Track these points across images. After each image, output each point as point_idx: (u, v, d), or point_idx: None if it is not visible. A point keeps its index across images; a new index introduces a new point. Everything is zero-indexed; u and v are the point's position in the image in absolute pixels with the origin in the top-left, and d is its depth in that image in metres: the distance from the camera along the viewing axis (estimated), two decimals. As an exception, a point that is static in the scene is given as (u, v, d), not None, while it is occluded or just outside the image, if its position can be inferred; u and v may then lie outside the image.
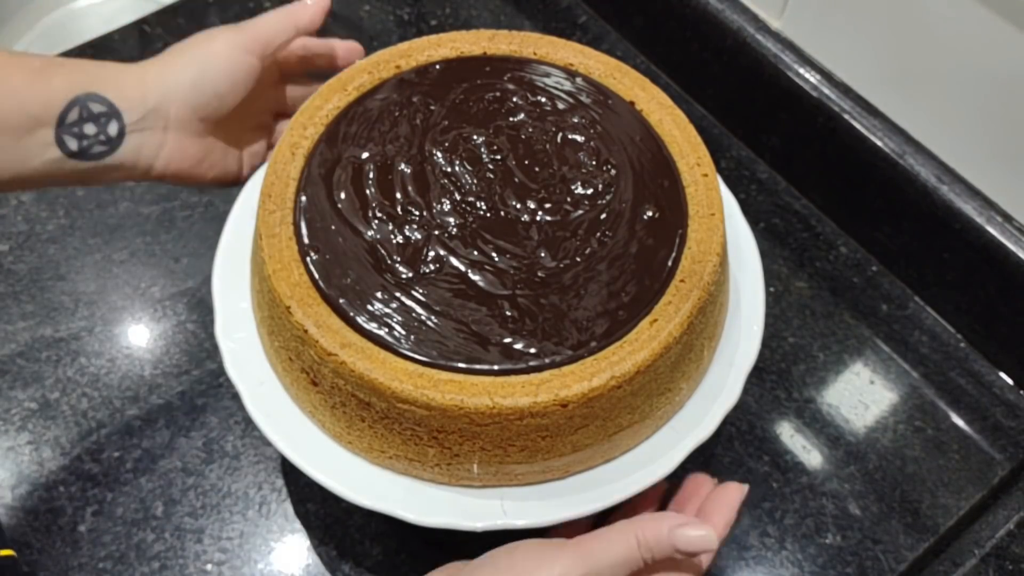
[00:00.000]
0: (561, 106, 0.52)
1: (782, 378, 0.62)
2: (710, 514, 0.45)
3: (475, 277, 0.45)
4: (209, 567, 0.53)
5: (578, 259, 0.46)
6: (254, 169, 0.57)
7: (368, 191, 0.48)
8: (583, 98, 0.53)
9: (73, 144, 0.47)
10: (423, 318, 0.43)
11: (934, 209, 0.61)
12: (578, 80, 0.54)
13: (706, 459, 0.58)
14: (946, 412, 0.61)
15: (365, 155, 0.49)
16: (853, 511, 0.57)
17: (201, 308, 0.64)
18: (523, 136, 0.51)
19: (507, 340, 0.43)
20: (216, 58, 0.50)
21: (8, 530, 0.54)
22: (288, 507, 0.56)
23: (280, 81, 0.58)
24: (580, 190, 0.49)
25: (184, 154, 0.51)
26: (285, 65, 0.58)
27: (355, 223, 0.47)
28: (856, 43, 0.64)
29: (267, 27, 0.52)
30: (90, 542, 0.54)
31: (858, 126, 0.64)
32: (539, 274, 0.45)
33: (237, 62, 0.50)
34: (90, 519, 0.55)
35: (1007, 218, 0.59)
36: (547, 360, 0.42)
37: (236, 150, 0.55)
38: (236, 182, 0.56)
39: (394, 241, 0.46)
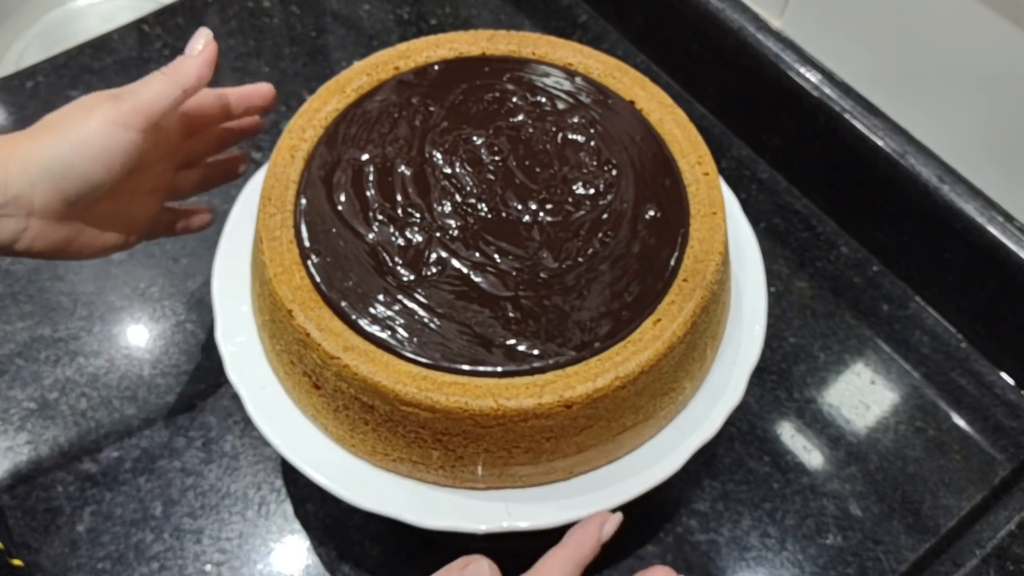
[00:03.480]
0: (561, 106, 0.52)
1: (783, 378, 0.62)
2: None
3: (477, 279, 0.45)
4: (208, 568, 0.53)
5: (580, 259, 0.46)
6: (147, 235, 0.53)
7: (368, 193, 0.48)
8: (583, 98, 0.53)
9: None
10: (426, 320, 0.43)
11: (935, 209, 0.61)
12: (578, 80, 0.54)
13: (707, 460, 0.58)
14: (947, 412, 0.61)
15: (365, 157, 0.49)
16: (854, 512, 0.57)
17: (200, 308, 0.63)
18: (523, 137, 0.51)
19: (510, 342, 0.43)
20: (90, 140, 0.44)
21: (9, 530, 0.54)
22: (287, 507, 0.56)
23: (187, 136, 0.53)
24: (581, 190, 0.49)
25: (49, 238, 0.46)
26: (196, 120, 0.52)
27: (356, 225, 0.46)
28: (857, 43, 0.64)
29: (148, 96, 0.46)
30: (89, 542, 0.54)
31: (859, 126, 0.64)
32: (541, 275, 0.45)
33: (113, 142, 0.45)
34: (89, 519, 0.55)
35: (1008, 218, 0.59)
36: (551, 361, 0.42)
37: (119, 222, 0.50)
38: (125, 248, 0.52)
39: (395, 243, 0.46)
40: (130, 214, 0.51)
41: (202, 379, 0.60)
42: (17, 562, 0.51)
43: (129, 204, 0.50)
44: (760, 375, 0.62)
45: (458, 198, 0.48)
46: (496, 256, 0.46)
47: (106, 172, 0.45)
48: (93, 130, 0.44)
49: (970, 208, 0.60)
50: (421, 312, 0.43)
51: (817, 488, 0.57)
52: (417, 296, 0.44)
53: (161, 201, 0.53)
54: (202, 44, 0.48)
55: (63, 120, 0.45)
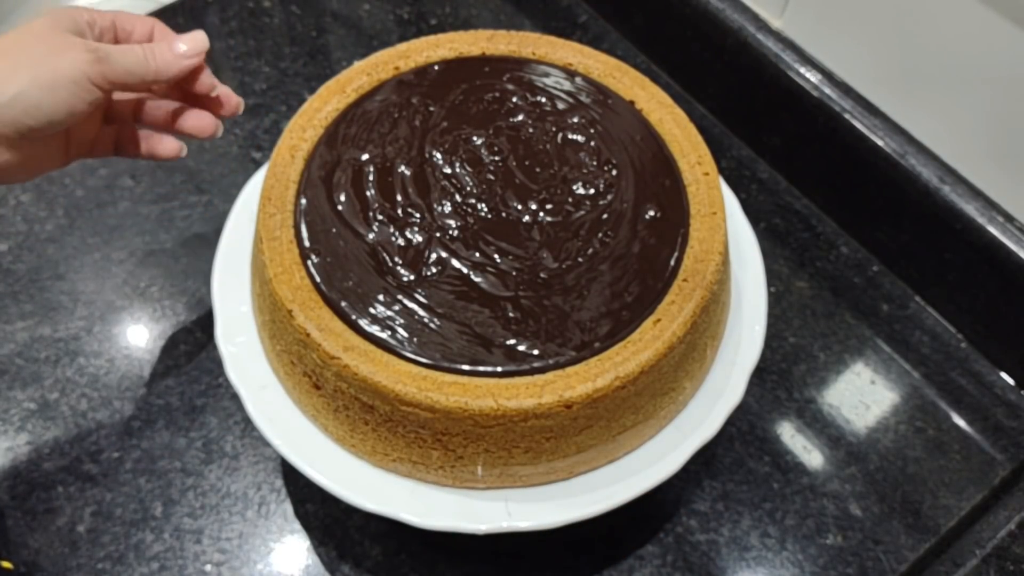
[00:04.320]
0: (561, 106, 0.52)
1: (783, 378, 0.62)
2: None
3: (477, 279, 0.45)
4: (208, 568, 0.53)
5: (580, 259, 0.46)
6: (88, 154, 0.52)
7: (368, 193, 0.48)
8: (583, 98, 0.53)
9: None
10: (425, 320, 0.43)
11: (935, 209, 0.61)
12: (578, 80, 0.54)
13: (707, 459, 0.58)
14: (947, 412, 0.61)
15: (365, 157, 0.49)
16: (854, 512, 0.56)
17: (200, 308, 0.63)
18: (523, 137, 0.51)
19: (510, 342, 0.43)
20: (59, 85, 0.44)
21: (6, 531, 0.54)
22: (287, 507, 0.56)
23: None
24: (581, 190, 0.49)
25: None
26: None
27: (356, 226, 0.46)
28: (857, 43, 0.64)
29: (124, 67, 0.46)
30: (89, 542, 0.54)
31: (859, 126, 0.64)
32: (541, 275, 0.45)
33: (82, 91, 0.45)
34: (89, 519, 0.55)
35: (1008, 218, 0.59)
36: (551, 361, 0.42)
37: (62, 145, 0.50)
38: (63, 166, 0.51)
39: (395, 243, 0.46)
40: (73, 137, 0.51)
41: (202, 379, 0.60)
42: (7, 564, 0.51)
43: (73, 129, 0.50)
44: (760, 375, 0.62)
45: (458, 198, 0.48)
46: (496, 256, 0.46)
47: (68, 116, 0.45)
48: (64, 75, 0.44)
49: (970, 208, 0.60)
50: (421, 312, 0.43)
51: (817, 488, 0.57)
52: (417, 296, 0.44)
53: (100, 122, 0.52)
54: (188, 47, 0.49)
55: (25, 53, 0.44)
